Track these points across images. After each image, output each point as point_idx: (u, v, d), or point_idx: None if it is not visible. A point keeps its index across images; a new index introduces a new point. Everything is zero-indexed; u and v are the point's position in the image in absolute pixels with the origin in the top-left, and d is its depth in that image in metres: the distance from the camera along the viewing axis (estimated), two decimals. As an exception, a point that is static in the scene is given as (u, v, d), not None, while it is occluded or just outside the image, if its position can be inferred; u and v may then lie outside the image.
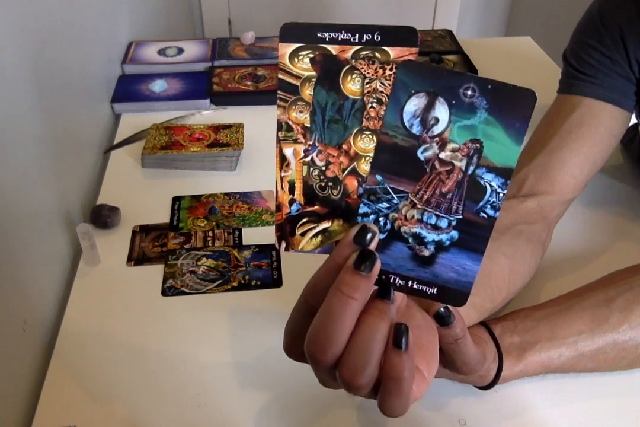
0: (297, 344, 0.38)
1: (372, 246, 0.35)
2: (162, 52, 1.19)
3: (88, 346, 0.64)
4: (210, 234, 0.78)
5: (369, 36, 0.34)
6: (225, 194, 0.86)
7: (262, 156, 0.92)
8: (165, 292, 0.70)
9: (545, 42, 1.35)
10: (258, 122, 0.96)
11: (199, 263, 0.74)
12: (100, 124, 1.00)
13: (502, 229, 0.62)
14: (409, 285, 0.37)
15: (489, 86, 0.33)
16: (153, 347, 0.64)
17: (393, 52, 0.35)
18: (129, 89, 1.09)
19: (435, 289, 0.37)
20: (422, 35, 1.27)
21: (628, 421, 0.56)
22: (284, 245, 0.39)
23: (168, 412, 0.57)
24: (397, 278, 0.37)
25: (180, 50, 1.20)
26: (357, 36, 0.35)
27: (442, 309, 0.39)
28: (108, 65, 1.09)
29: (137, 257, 0.75)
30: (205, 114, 1.05)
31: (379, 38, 0.34)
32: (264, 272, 0.73)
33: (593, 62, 0.70)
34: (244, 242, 0.77)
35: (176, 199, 0.85)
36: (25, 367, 0.62)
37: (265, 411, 0.58)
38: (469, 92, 0.33)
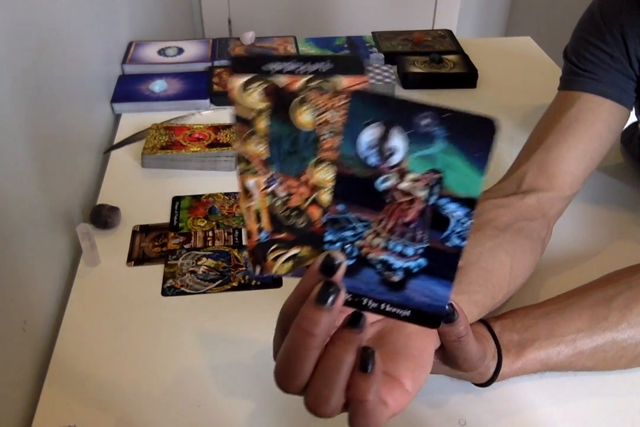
0: None
1: (339, 275, 0.34)
2: (162, 52, 1.19)
3: (88, 346, 0.64)
4: (210, 234, 0.78)
5: (317, 66, 0.34)
6: (225, 194, 0.86)
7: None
8: (165, 292, 0.70)
9: (545, 42, 1.35)
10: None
11: (199, 263, 0.74)
12: (100, 124, 1.00)
13: (502, 226, 0.62)
14: (382, 307, 0.36)
15: (447, 115, 0.32)
16: (153, 347, 0.64)
17: (343, 81, 0.34)
18: (129, 89, 1.09)
19: (409, 312, 0.36)
20: (422, 35, 1.27)
21: (627, 420, 0.56)
22: (258, 269, 0.39)
23: (168, 412, 0.57)
24: (370, 300, 0.36)
25: (180, 50, 1.20)
26: (306, 66, 0.34)
27: (447, 307, 0.39)
28: (108, 65, 1.09)
29: (137, 257, 0.75)
30: (205, 114, 1.05)
31: (328, 67, 0.34)
32: (264, 272, 0.72)
33: (593, 59, 0.70)
34: (244, 242, 0.77)
35: (176, 199, 0.85)
36: (25, 367, 0.62)
37: (265, 410, 0.58)
38: (426, 121, 0.32)
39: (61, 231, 0.76)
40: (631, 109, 0.72)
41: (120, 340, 0.64)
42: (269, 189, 0.37)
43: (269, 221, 0.38)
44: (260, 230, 0.38)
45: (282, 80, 0.35)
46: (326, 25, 2.44)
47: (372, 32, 1.30)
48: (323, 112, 0.35)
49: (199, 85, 1.10)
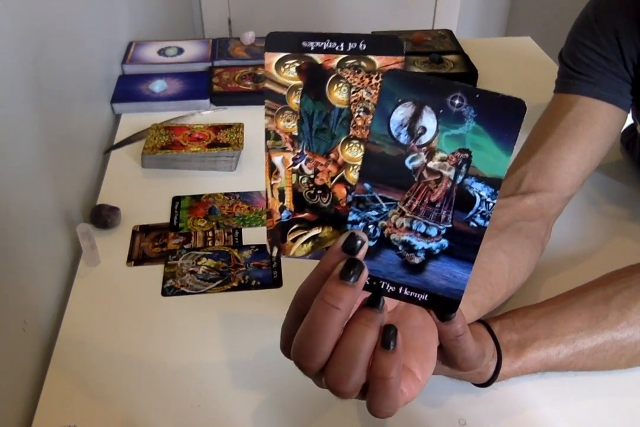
0: (291, 346, 0.38)
1: (361, 254, 0.35)
2: (162, 52, 1.19)
3: (88, 346, 0.64)
4: (210, 234, 0.78)
5: (354, 45, 0.34)
6: (225, 194, 0.86)
7: (262, 156, 0.92)
8: (165, 292, 0.70)
9: (545, 42, 1.35)
10: (258, 122, 0.95)
11: (199, 263, 0.74)
12: (100, 124, 1.00)
13: (501, 226, 0.62)
14: (400, 291, 0.37)
15: (477, 95, 0.32)
16: (153, 347, 0.64)
17: (379, 61, 0.34)
18: (129, 89, 1.09)
19: (426, 296, 0.37)
20: (422, 35, 1.27)
21: (627, 420, 0.56)
22: (275, 250, 0.39)
23: (168, 412, 0.57)
24: (388, 284, 0.37)
25: (180, 50, 1.20)
26: (342, 45, 0.34)
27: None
28: (108, 65, 1.09)
29: (137, 257, 0.75)
30: (205, 114, 1.05)
31: (364, 47, 0.34)
32: (264, 272, 0.73)
33: (588, 62, 0.70)
34: (244, 242, 0.77)
35: (176, 199, 0.85)
36: (25, 367, 0.62)
37: (265, 410, 0.58)
38: (457, 101, 0.33)
39: (61, 231, 0.76)
40: (628, 111, 0.72)
41: (120, 340, 0.65)
42: (296, 166, 0.37)
43: (292, 200, 0.38)
44: (282, 209, 0.38)
45: (317, 58, 0.35)
46: (326, 25, 2.44)
47: (372, 32, 1.30)
48: (357, 90, 0.35)
49: (199, 85, 1.10)
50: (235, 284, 0.71)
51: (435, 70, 1.14)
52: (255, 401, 0.58)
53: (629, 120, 0.75)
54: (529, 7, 2.47)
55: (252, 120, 0.99)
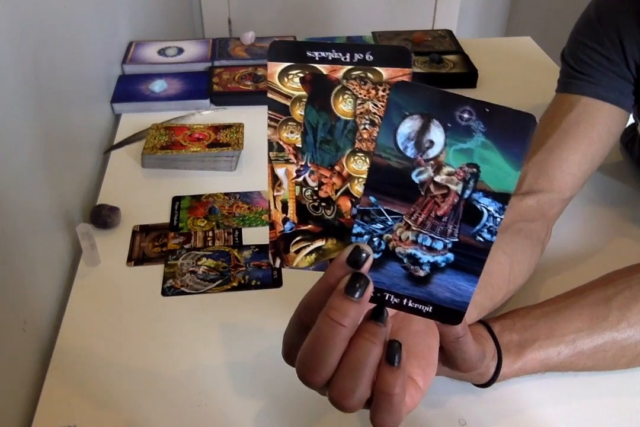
0: (293, 354, 0.38)
1: (366, 267, 0.34)
2: (162, 52, 1.19)
3: (88, 346, 0.64)
4: (210, 234, 0.78)
5: (360, 56, 0.33)
6: (225, 194, 0.86)
7: (262, 156, 0.91)
8: (165, 292, 0.70)
9: (545, 42, 1.35)
10: (258, 122, 0.96)
11: (199, 263, 0.74)
12: (100, 124, 1.00)
13: (501, 227, 0.62)
14: (404, 303, 0.36)
15: (486, 109, 0.32)
16: (153, 347, 0.64)
17: (386, 72, 0.34)
18: (129, 89, 1.09)
19: (431, 308, 0.36)
20: (422, 35, 1.27)
21: (627, 420, 0.56)
22: (278, 261, 0.38)
23: (168, 412, 0.57)
24: (392, 296, 0.36)
25: (180, 50, 1.20)
26: (348, 56, 0.34)
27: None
28: (108, 65, 1.09)
29: (137, 257, 0.75)
30: (205, 114, 1.05)
31: (371, 58, 0.33)
32: (264, 272, 0.73)
33: (590, 62, 0.70)
34: (244, 242, 0.77)
35: (176, 199, 0.85)
36: (25, 367, 0.62)
37: (265, 410, 0.58)
38: (465, 115, 0.32)
39: (61, 231, 0.76)
40: (630, 112, 0.72)
41: (120, 340, 0.64)
42: (300, 178, 0.37)
43: (295, 212, 0.37)
44: (285, 221, 0.37)
45: (322, 68, 0.34)
46: (326, 25, 2.44)
47: (372, 32, 1.30)
48: (363, 102, 0.34)
49: (199, 85, 1.10)
50: (235, 284, 0.71)
51: (435, 70, 1.14)
52: (256, 400, 0.58)
53: (630, 120, 0.75)
54: (529, 7, 2.47)
55: (252, 120, 0.99)
